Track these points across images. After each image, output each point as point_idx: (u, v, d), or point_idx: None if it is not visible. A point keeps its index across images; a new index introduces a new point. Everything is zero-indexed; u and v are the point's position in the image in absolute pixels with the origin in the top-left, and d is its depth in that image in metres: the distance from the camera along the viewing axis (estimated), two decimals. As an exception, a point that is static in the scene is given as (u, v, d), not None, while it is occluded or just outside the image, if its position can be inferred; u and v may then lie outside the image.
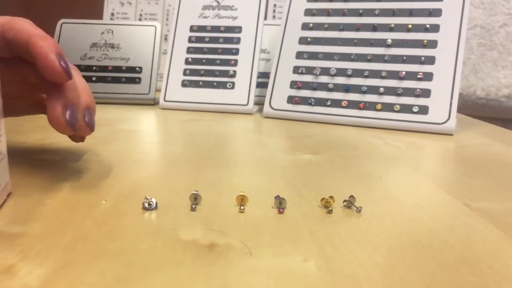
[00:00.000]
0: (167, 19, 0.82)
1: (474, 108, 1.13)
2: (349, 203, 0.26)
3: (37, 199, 0.26)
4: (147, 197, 0.25)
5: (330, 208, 0.25)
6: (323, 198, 0.26)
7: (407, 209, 0.26)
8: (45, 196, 0.26)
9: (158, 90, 0.67)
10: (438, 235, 0.23)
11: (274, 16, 0.87)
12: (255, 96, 0.61)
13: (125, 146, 0.40)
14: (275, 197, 0.26)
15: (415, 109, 0.50)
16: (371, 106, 0.52)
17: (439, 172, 0.35)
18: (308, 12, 0.58)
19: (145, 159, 0.36)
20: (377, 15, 0.54)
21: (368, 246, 0.21)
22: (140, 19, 0.82)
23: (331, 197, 0.26)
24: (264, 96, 0.62)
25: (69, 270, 0.18)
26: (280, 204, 0.25)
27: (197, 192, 0.26)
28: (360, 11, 0.55)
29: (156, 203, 0.25)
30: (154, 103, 0.65)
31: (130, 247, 0.20)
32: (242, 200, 0.26)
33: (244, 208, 0.25)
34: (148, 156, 0.37)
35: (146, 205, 0.25)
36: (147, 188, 0.29)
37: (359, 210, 0.25)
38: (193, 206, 0.25)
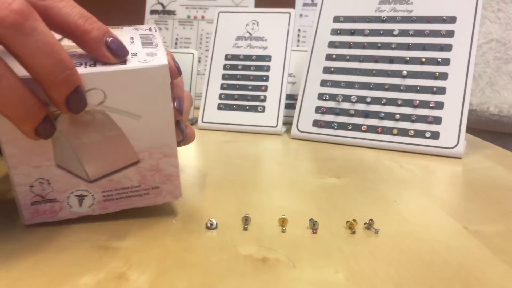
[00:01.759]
0: (200, 42, 0.89)
1: (488, 123, 1.18)
2: (369, 225, 0.32)
3: (119, 218, 0.33)
4: (210, 219, 0.32)
5: (353, 230, 0.32)
6: (347, 221, 0.32)
7: (415, 230, 0.33)
8: (124, 216, 0.33)
9: (196, 108, 0.75)
10: (439, 254, 0.29)
11: (298, 41, 0.94)
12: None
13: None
14: (310, 220, 0.32)
15: (428, 134, 0.56)
16: (388, 130, 0.58)
17: (445, 196, 0.41)
18: (331, 45, 0.64)
19: (196, 183, 0.42)
20: (394, 49, 0.60)
21: (384, 261, 0.28)
22: (176, 43, 0.90)
23: (354, 220, 0.32)
24: (290, 116, 0.69)
25: (165, 277, 0.25)
26: (313, 225, 0.32)
27: (247, 215, 0.32)
28: (379, 45, 0.61)
29: (216, 223, 0.32)
30: (192, 123, 0.72)
31: (204, 260, 0.27)
32: (283, 222, 0.32)
33: (285, 229, 0.32)
34: (198, 179, 0.44)
35: (209, 225, 0.32)
36: (205, 209, 0.35)
37: (377, 232, 0.32)
38: (245, 226, 0.32)
